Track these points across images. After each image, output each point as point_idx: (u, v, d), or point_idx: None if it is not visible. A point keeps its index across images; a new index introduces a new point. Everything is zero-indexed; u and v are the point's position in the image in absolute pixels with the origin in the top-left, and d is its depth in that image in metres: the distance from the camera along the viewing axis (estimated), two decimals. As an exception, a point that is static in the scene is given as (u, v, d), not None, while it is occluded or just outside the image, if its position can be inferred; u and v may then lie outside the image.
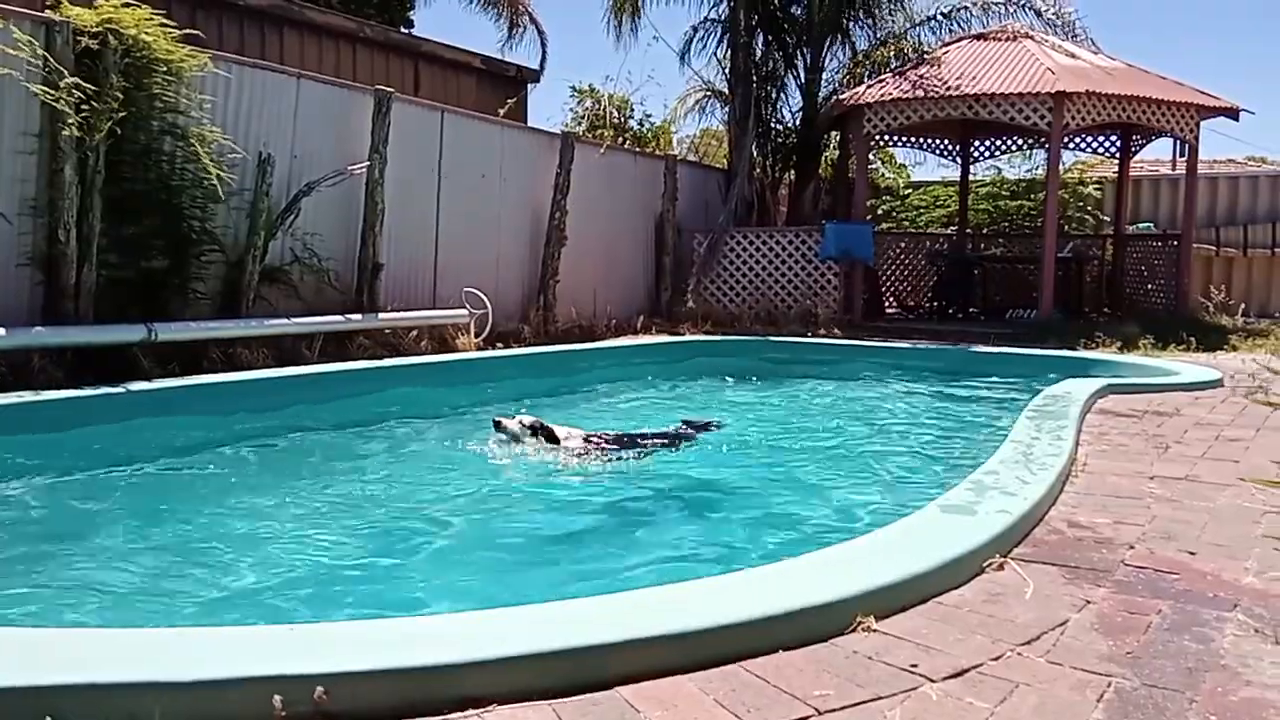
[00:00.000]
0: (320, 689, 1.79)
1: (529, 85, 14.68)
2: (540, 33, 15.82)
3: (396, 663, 1.88)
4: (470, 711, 1.83)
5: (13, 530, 3.75)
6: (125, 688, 1.78)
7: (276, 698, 1.77)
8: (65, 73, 5.74)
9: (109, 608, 2.98)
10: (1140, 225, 14.78)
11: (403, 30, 15.31)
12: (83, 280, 6.04)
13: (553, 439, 5.24)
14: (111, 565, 3.39)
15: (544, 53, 15.81)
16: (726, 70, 13.78)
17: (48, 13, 5.96)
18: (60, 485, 4.32)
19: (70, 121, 5.75)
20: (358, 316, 7.85)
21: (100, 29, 5.99)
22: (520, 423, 5.31)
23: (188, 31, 6.62)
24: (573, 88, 17.57)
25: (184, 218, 6.66)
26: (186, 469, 4.81)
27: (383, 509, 4.31)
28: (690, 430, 5.87)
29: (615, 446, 5.32)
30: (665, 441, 5.49)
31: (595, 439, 5.37)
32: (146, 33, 6.22)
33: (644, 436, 5.54)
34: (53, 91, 5.72)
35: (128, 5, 6.19)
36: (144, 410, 5.35)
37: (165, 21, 6.41)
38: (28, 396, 4.99)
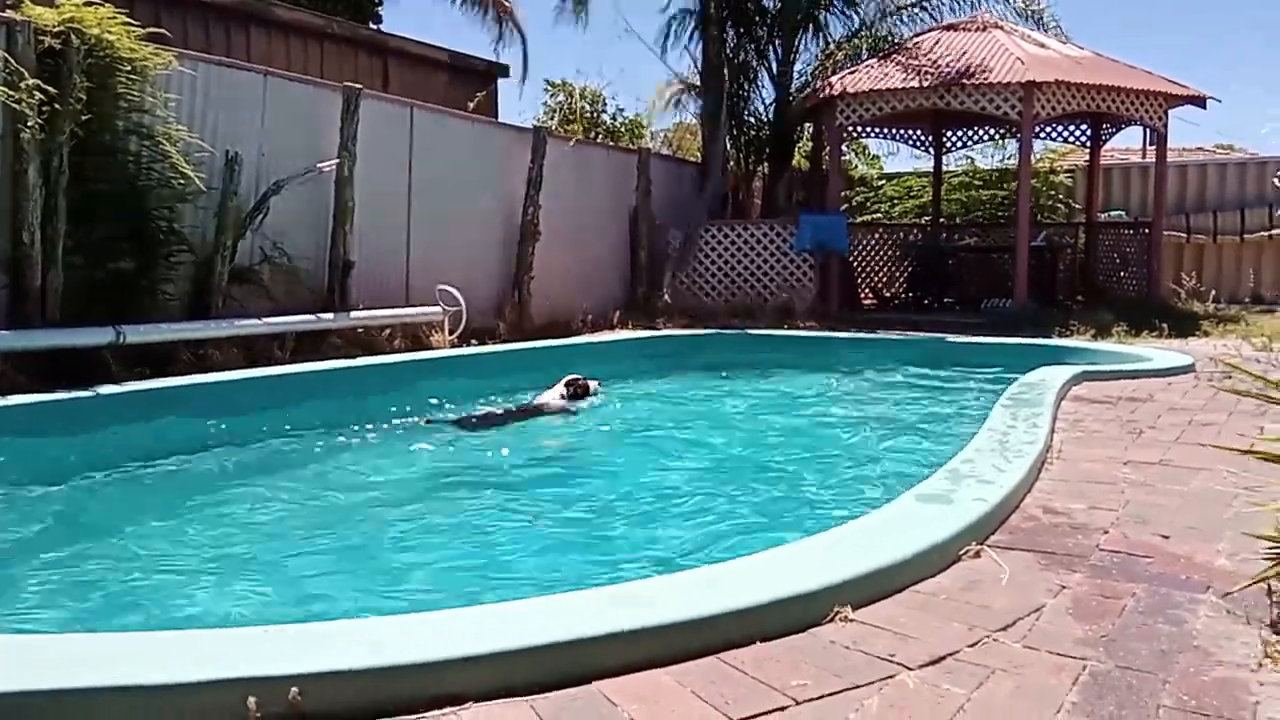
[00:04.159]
0: (294, 690, 1.77)
1: (499, 80, 14.61)
2: (519, 31, 15.76)
3: (371, 662, 1.86)
4: (447, 709, 1.82)
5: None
6: (95, 692, 1.75)
7: (251, 699, 1.75)
8: (26, 73, 5.65)
9: (79, 615, 2.94)
10: (1112, 212, 14.91)
11: (371, 26, 15.20)
12: (48, 283, 5.94)
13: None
14: (78, 570, 3.34)
15: (525, 52, 15.76)
16: (699, 64, 13.77)
17: (9, 13, 5.86)
18: (27, 490, 4.25)
19: (31, 124, 5.66)
20: (329, 316, 7.77)
21: (62, 28, 5.89)
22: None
23: (152, 30, 6.52)
24: (547, 82, 17.51)
25: (151, 218, 6.57)
26: (161, 471, 4.75)
27: (364, 507, 4.28)
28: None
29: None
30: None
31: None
32: (109, 32, 6.13)
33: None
34: (13, 93, 5.62)
35: (90, 4, 6.09)
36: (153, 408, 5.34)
37: (128, 20, 6.31)
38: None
